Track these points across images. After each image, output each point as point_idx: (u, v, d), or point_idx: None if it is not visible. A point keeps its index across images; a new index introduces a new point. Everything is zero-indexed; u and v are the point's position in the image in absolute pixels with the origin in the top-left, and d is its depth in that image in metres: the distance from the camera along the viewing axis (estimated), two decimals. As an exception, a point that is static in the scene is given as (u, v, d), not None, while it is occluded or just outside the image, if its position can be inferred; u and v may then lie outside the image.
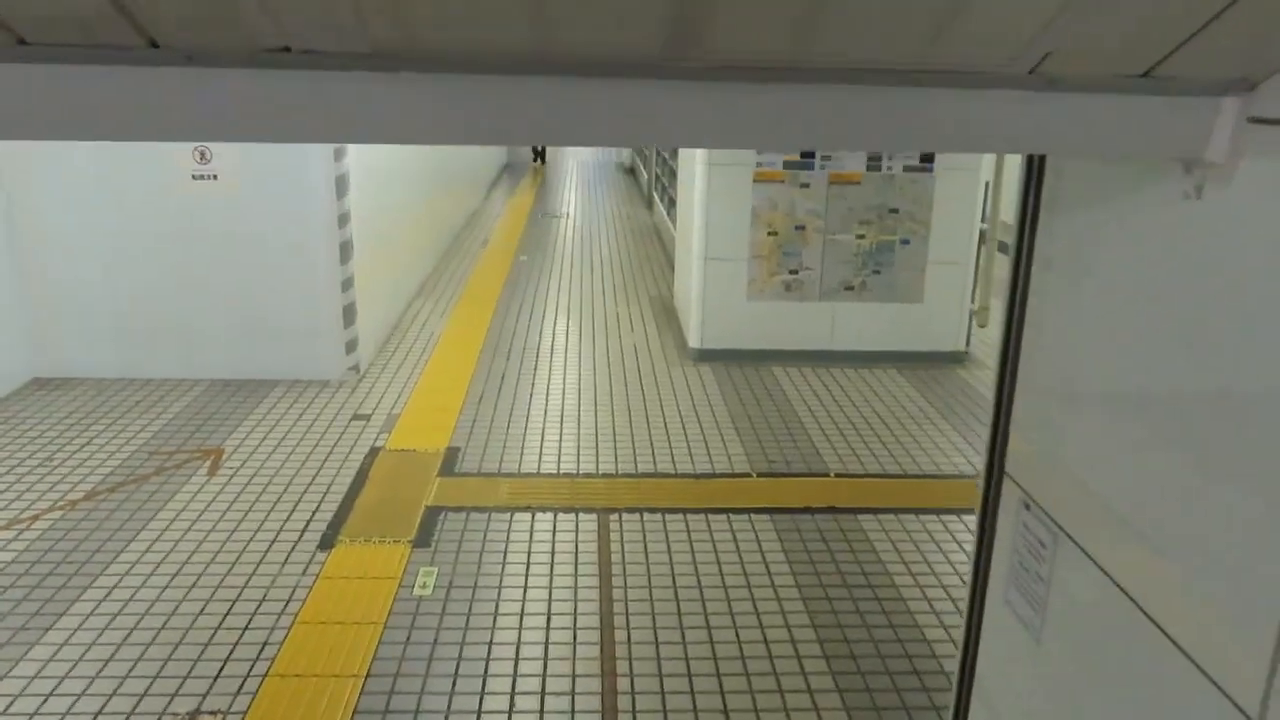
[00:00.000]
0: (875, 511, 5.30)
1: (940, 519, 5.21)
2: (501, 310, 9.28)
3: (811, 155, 7.46)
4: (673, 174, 11.34)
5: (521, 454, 5.92)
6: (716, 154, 7.40)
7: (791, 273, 7.69)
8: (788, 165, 7.45)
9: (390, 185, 8.42)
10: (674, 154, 10.99)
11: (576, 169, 20.95)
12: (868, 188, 7.56)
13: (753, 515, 5.20)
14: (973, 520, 2.53)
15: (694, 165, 7.55)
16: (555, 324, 8.82)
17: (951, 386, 7.39)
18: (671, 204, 11.56)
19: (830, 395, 7.10)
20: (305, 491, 5.32)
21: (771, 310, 7.78)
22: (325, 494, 5.30)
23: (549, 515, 5.13)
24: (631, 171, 20.12)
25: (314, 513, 5.08)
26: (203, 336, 6.89)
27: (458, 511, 5.13)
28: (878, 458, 6.03)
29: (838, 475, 5.77)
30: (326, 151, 6.53)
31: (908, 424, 6.58)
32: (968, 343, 8.01)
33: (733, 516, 5.18)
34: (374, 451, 5.88)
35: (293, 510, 5.11)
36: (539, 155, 23.09)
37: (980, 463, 2.39)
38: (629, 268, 11.16)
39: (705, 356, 7.82)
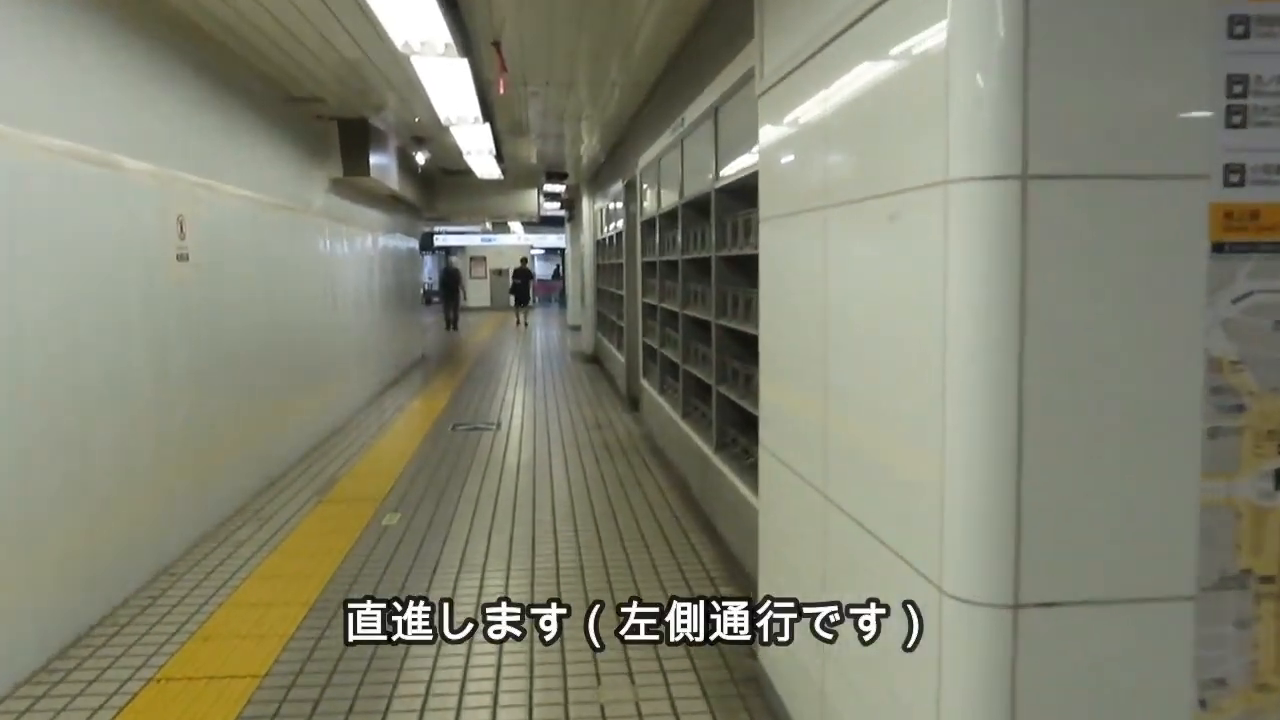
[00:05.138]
0: None
1: None
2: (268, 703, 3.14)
3: None
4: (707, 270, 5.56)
5: None
6: (1042, 127, 1.64)
7: (1384, 643, 1.77)
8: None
9: None
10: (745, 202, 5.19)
11: (518, 361, 15.26)
12: None
13: None
14: None
15: (919, 176, 1.75)
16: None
17: None
18: (700, 392, 5.70)
19: None
20: None
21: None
22: None
23: None
24: (595, 360, 14.47)
25: None
26: None
27: None
28: None
29: None
30: None
31: None
32: None
33: None
34: None
35: None
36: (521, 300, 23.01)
37: None
38: (619, 537, 5.18)
39: None
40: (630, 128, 9.06)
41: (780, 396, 3.09)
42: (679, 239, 6.06)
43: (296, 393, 7.20)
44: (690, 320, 5.91)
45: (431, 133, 9.34)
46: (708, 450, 5.07)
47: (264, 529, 5.28)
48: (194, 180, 5.12)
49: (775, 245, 3.11)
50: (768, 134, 3.15)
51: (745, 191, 4.55)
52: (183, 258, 4.90)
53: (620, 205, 10.14)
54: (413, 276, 14.81)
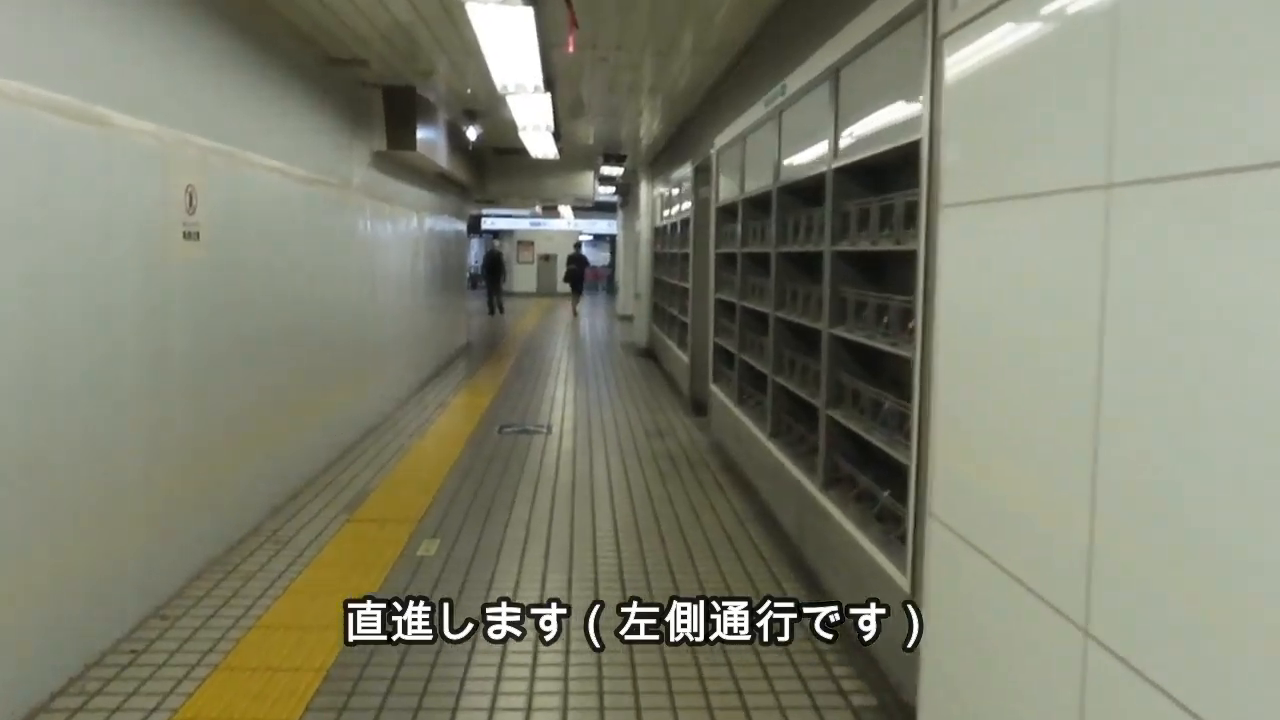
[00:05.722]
0: None
1: None
2: None
3: None
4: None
5: None
6: None
7: None
8: None
9: None
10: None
11: (567, 352, 14.45)
12: None
13: None
14: None
15: None
16: None
17: None
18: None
19: None
20: None
21: None
22: None
23: None
24: (649, 354, 13.60)
25: None
26: None
27: None
28: None
29: None
30: None
31: None
32: None
33: None
34: None
35: None
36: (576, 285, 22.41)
37: None
38: (700, 587, 4.33)
39: None
40: (704, 104, 8.16)
41: (975, 458, 2.20)
42: (771, 229, 5.16)
43: (328, 389, 6.43)
44: (784, 325, 5.01)
45: (485, 105, 8.53)
46: (811, 486, 4.17)
47: (280, 556, 4.51)
48: (209, 146, 4.34)
49: (971, 241, 2.22)
50: (961, 86, 2.26)
51: (875, 172, 3.65)
52: (191, 235, 4.11)
53: (687, 189, 9.25)
54: (459, 261, 14.04)
